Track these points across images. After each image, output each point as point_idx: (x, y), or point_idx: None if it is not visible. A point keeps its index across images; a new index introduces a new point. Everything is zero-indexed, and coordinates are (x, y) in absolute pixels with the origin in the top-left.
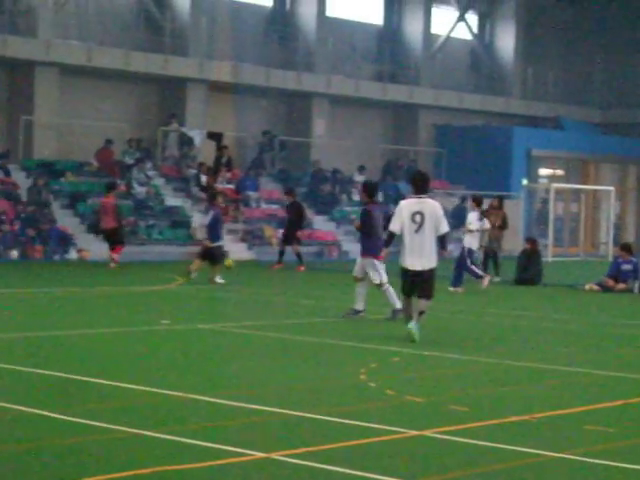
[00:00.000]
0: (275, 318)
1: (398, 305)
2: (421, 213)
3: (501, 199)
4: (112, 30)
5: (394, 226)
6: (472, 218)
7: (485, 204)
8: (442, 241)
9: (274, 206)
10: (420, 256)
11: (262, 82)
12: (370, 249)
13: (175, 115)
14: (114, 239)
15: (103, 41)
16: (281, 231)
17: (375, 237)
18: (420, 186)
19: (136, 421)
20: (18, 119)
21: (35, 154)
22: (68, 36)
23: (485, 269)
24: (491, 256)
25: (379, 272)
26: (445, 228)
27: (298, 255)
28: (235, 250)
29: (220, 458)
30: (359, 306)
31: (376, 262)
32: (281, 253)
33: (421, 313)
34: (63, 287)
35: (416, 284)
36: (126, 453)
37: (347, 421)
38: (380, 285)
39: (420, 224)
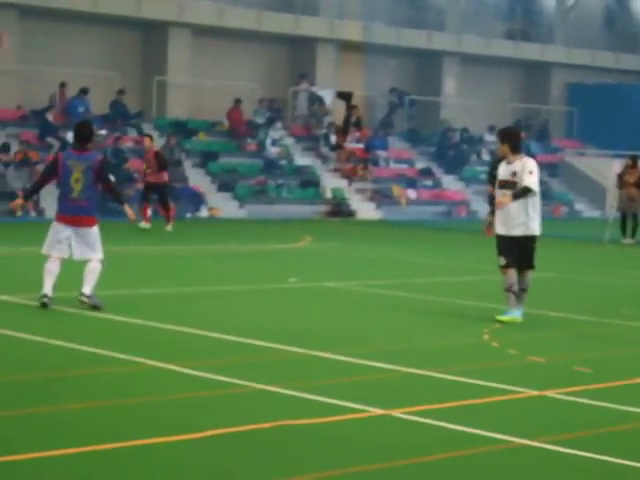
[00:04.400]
0: (401, 277)
1: None
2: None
3: (636, 158)
4: None
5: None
6: None
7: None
8: None
9: (403, 165)
10: None
11: (392, 41)
12: None
13: (305, 75)
14: None
15: (235, 1)
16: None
17: None
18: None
19: (259, 376)
20: (151, 79)
21: (168, 114)
22: None
23: (623, 230)
24: (630, 217)
25: None
26: None
27: None
28: (364, 209)
29: (340, 414)
30: None
31: None
32: None
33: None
34: (194, 245)
35: None
36: (247, 408)
37: (468, 380)
38: None
39: None
